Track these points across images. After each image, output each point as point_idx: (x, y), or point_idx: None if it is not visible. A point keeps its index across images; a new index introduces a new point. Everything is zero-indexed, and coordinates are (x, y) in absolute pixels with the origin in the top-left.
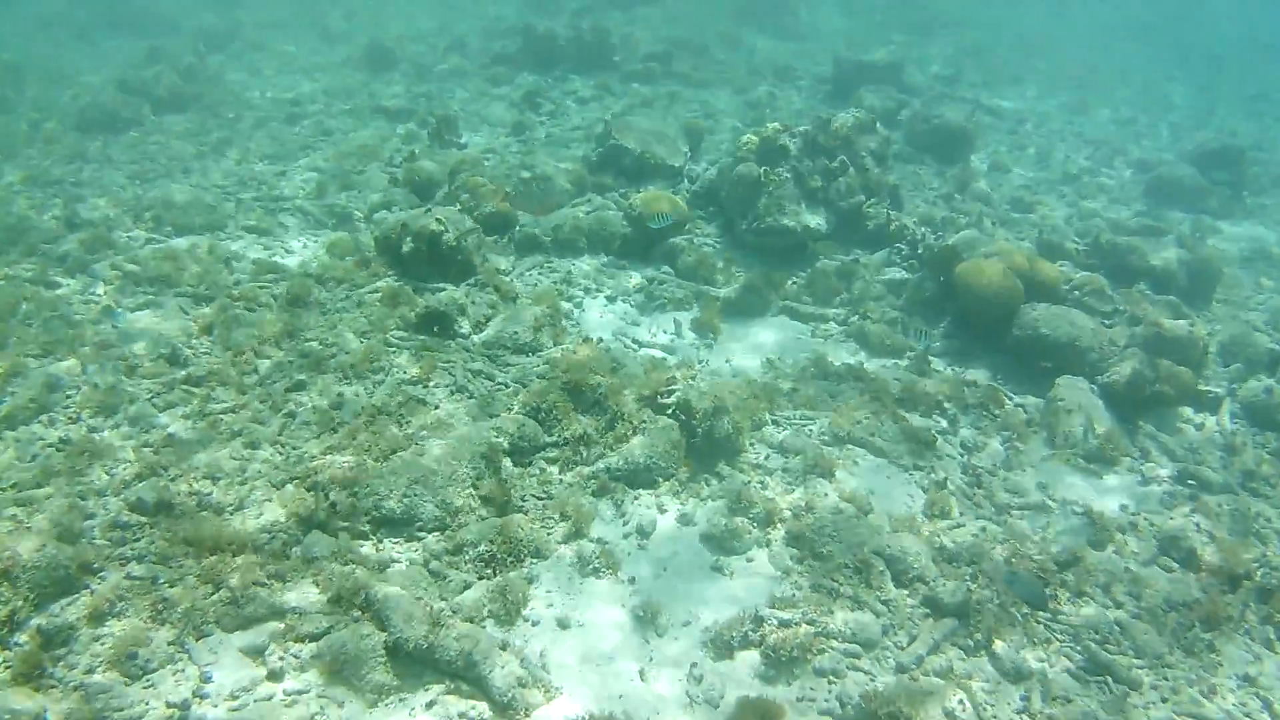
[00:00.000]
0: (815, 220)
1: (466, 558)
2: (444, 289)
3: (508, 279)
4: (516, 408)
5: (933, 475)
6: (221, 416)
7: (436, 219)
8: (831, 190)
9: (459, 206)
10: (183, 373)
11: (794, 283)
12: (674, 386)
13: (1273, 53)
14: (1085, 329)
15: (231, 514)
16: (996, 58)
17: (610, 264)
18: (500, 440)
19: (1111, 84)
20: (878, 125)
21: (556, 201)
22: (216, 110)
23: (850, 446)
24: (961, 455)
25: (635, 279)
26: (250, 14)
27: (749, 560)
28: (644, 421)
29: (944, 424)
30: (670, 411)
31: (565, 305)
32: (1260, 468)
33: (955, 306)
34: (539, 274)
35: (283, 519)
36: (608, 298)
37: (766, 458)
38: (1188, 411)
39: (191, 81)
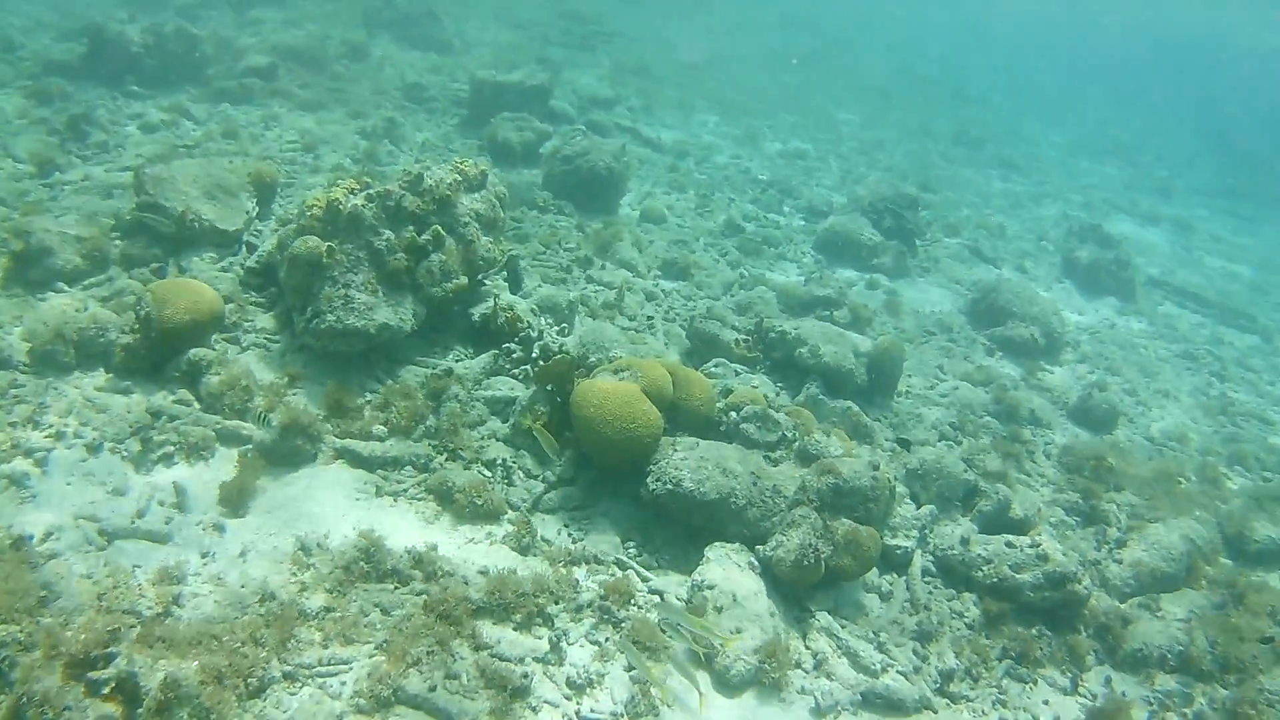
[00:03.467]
0: (396, 315)
1: None
2: None
3: None
4: None
5: None
6: None
7: None
8: (421, 272)
9: None
10: None
11: (367, 404)
12: (114, 649)
13: (934, 86)
14: (742, 477)
15: None
16: (661, 79)
17: (108, 388)
18: None
19: (781, 111)
20: (489, 179)
21: None
22: None
23: (399, 711)
24: (569, 699)
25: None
26: None
27: None
28: (65, 711)
29: (546, 644)
30: (107, 691)
31: (20, 466)
32: (961, 656)
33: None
34: None
35: None
36: (88, 446)
37: None
38: (873, 574)
39: None
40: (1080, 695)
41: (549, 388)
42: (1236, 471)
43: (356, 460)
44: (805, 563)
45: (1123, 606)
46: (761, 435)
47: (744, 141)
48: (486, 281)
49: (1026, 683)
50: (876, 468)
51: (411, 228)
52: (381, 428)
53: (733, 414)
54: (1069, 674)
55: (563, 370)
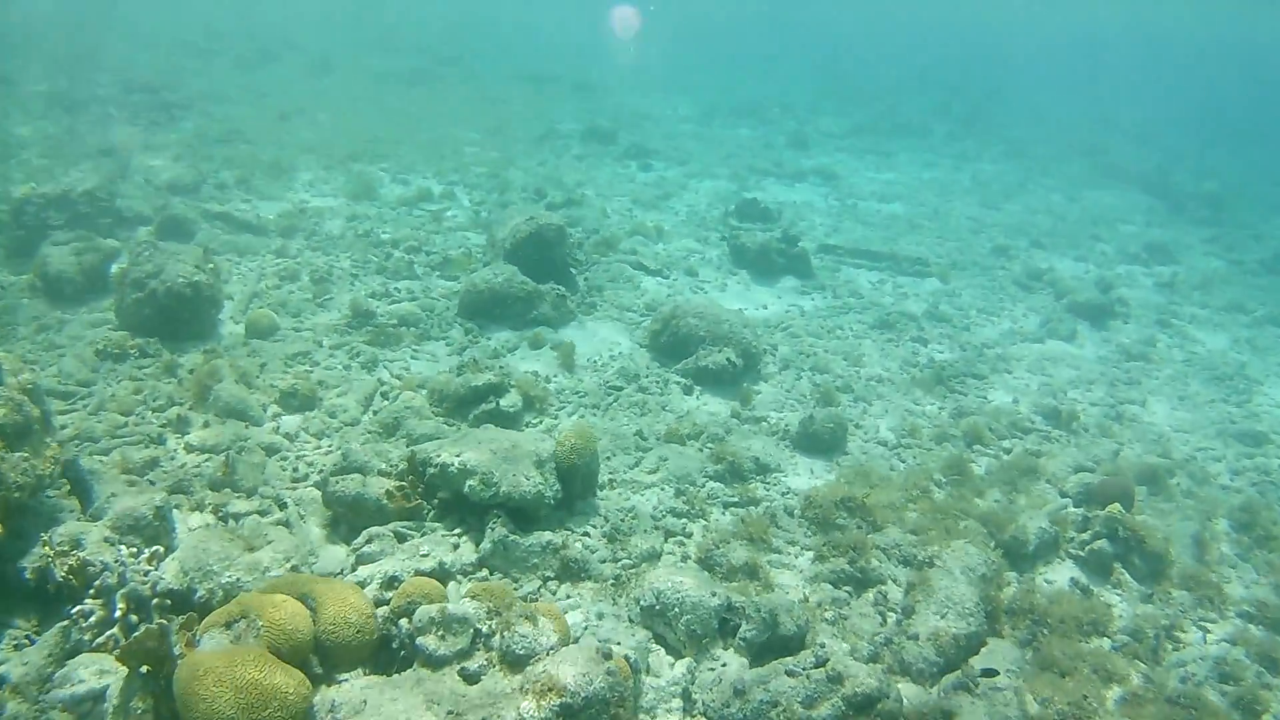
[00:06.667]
0: None
1: None
2: None
3: None
4: None
5: None
6: None
7: None
8: None
9: None
10: None
11: None
12: None
13: (552, 84)
14: None
15: None
16: (255, 140)
17: None
18: None
19: (398, 147)
20: (3, 368)
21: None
22: None
23: None
24: None
25: None
26: None
27: None
28: None
29: None
30: None
31: None
32: None
33: None
34: None
35: None
36: None
37: None
38: None
39: None
40: None
41: (144, 669)
42: (977, 451)
43: None
44: None
45: (938, 696)
46: (448, 646)
47: (360, 195)
48: (47, 500)
49: None
50: (608, 656)
51: None
52: None
53: (403, 623)
54: None
55: (152, 644)
